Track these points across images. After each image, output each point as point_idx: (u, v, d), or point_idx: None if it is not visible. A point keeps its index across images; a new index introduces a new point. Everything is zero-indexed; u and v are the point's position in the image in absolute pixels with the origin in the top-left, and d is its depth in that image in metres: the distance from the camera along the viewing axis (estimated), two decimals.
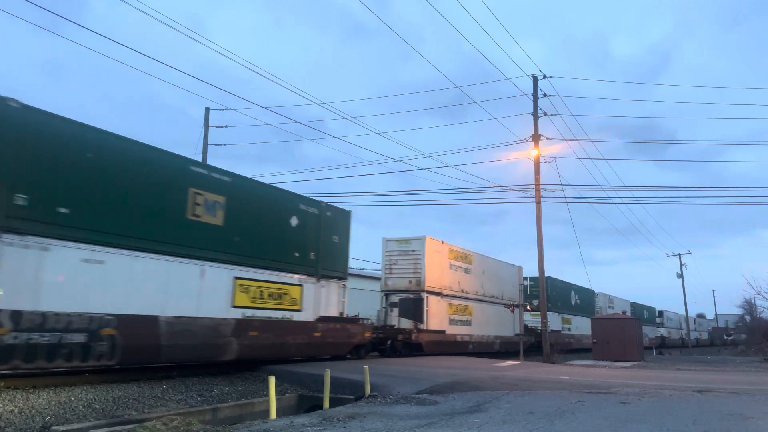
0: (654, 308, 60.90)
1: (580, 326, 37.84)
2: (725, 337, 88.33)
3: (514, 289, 29.97)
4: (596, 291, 43.51)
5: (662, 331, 60.49)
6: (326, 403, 9.66)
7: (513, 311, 28.72)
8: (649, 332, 52.93)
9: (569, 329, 36.86)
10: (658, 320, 59.97)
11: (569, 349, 32.45)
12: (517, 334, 26.97)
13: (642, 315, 52.46)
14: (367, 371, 10.76)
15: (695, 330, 76.52)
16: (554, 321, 33.21)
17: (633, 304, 53.10)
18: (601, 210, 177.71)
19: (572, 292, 38.54)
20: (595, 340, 27.62)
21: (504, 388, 11.14)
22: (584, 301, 40.22)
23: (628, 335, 27.09)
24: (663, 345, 57.47)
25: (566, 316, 36.54)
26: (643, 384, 12.71)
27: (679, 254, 60.70)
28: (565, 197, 25.13)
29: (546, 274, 30.18)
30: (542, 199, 24.57)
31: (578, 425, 7.23)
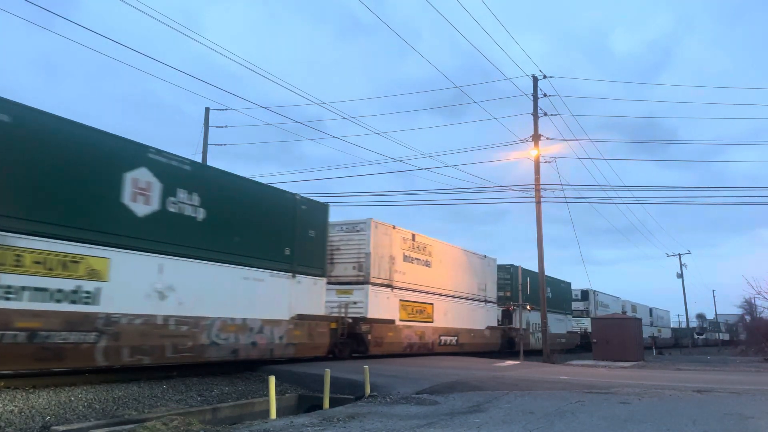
0: (569, 284, 34.85)
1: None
2: (696, 336, 73.48)
3: None
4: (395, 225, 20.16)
5: (587, 324, 34.37)
6: (326, 403, 9.65)
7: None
8: (558, 325, 31.57)
9: None
10: (582, 306, 36.27)
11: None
12: None
13: (547, 296, 26.64)
14: (367, 371, 10.75)
15: (652, 325, 56.83)
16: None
17: (527, 272, 27.57)
18: (601, 210, 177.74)
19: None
20: (595, 340, 27.66)
21: (504, 388, 11.15)
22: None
23: (629, 335, 27.10)
24: (582, 347, 34.11)
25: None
26: (643, 384, 12.72)
27: (679, 254, 60.61)
28: (565, 197, 25.17)
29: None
30: (542, 199, 24.59)
31: (578, 425, 7.24)
